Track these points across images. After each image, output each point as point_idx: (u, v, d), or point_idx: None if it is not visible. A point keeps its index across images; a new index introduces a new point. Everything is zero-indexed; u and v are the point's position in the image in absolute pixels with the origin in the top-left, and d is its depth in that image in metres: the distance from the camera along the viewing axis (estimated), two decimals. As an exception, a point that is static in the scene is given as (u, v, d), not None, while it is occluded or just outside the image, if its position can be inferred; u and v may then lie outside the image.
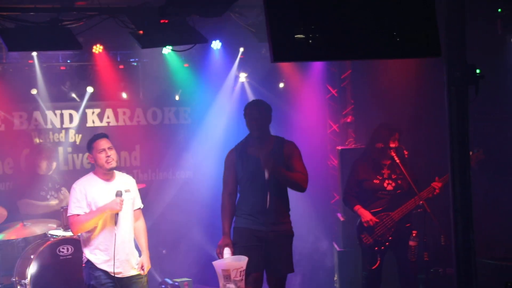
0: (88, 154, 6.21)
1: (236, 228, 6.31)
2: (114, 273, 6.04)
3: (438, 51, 4.55)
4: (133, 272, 6.18)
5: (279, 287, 6.27)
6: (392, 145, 7.23)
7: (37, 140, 9.13)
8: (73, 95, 9.29)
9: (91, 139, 6.25)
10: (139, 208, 6.40)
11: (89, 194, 6.06)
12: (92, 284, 6.09)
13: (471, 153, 7.06)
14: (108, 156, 6.09)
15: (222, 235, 6.22)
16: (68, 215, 6.14)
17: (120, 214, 6.08)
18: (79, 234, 6.20)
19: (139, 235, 6.36)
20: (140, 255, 6.31)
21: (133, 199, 6.27)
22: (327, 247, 9.40)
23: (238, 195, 6.35)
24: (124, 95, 9.55)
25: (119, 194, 6.01)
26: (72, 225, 6.09)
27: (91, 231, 6.10)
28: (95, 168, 6.22)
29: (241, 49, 9.70)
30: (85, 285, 6.21)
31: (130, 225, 6.23)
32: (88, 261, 6.12)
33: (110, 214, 6.03)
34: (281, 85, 10.08)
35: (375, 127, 7.48)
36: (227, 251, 6.08)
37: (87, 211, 6.03)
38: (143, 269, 6.19)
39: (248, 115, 6.30)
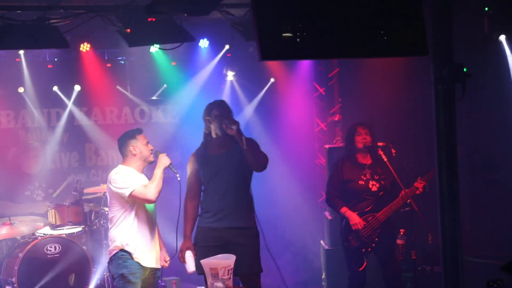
0: (131, 145, 6.22)
1: (199, 228, 6.29)
2: (147, 263, 6.16)
3: (425, 50, 4.57)
4: (158, 264, 6.31)
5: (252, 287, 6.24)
6: (379, 143, 7.26)
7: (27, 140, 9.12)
8: (59, 92, 9.28)
9: (134, 131, 6.31)
10: None
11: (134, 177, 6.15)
12: (122, 273, 6.09)
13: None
14: (152, 149, 6.26)
15: (183, 238, 6.24)
16: (130, 192, 6.05)
17: (151, 204, 6.21)
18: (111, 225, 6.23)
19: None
20: None
21: None
22: (315, 245, 9.41)
23: (202, 196, 6.34)
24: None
25: (158, 152, 6.24)
26: (146, 194, 6.06)
27: (129, 220, 6.13)
28: (124, 160, 6.26)
29: (227, 46, 9.69)
30: (112, 277, 6.24)
31: (156, 216, 6.37)
32: (119, 252, 6.12)
33: (147, 206, 6.17)
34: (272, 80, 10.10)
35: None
36: (189, 254, 6.11)
37: None
38: (166, 262, 6.40)
39: (217, 116, 6.20)
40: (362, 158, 7.26)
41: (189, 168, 6.35)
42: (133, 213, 6.14)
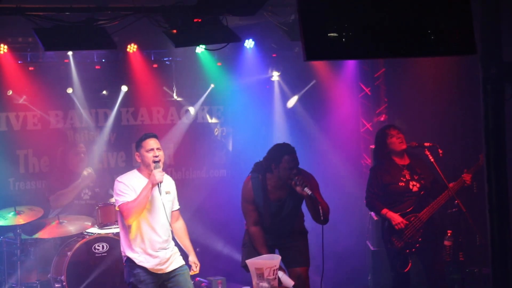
0: (136, 152, 6.23)
1: (248, 231, 6.43)
2: (155, 269, 6.13)
3: (473, 49, 4.50)
4: (173, 266, 6.23)
5: (301, 285, 6.26)
6: (426, 144, 7.18)
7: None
8: (105, 92, 9.40)
9: (140, 138, 6.26)
10: (178, 209, 6.46)
11: (134, 188, 6.11)
12: (131, 281, 6.11)
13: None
14: (156, 156, 6.11)
15: None
16: (117, 205, 6.14)
17: (159, 212, 6.14)
18: (125, 226, 6.24)
19: (182, 236, 6.44)
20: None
21: (172, 201, 6.34)
22: (360, 246, 9.36)
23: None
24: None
25: (157, 166, 6.04)
26: (124, 213, 6.07)
27: (130, 229, 6.15)
28: (140, 165, 6.26)
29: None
30: (126, 283, 6.26)
31: (168, 224, 6.25)
32: (128, 259, 6.15)
33: (147, 209, 6.09)
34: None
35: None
36: (280, 274, 5.98)
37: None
38: (196, 269, 6.34)
39: (287, 163, 6.21)
40: (399, 159, 7.18)
41: (247, 200, 6.39)
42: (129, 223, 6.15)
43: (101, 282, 7.63)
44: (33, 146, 9.12)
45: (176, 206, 6.44)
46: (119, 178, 6.22)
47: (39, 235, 7.90)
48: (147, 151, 6.13)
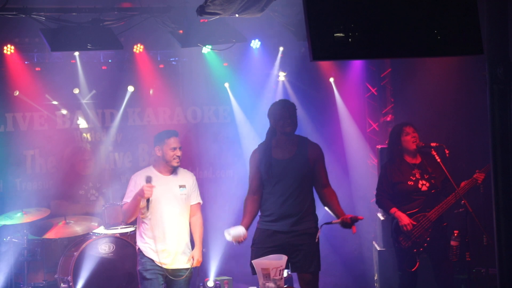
0: (157, 146, 6.45)
1: (258, 229, 6.27)
2: (160, 262, 6.35)
3: (480, 49, 4.49)
4: (182, 265, 6.42)
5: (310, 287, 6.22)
6: (432, 144, 7.17)
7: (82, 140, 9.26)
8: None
9: (164, 133, 6.53)
10: (197, 203, 6.64)
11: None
12: (139, 269, 6.41)
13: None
14: (178, 156, 6.41)
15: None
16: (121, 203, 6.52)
17: (171, 205, 6.34)
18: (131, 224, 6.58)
19: (194, 230, 6.60)
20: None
21: (187, 195, 6.50)
22: (367, 246, 9.35)
23: (264, 197, 6.25)
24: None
25: (148, 180, 6.22)
26: (122, 213, 6.57)
27: (143, 220, 6.36)
28: (155, 161, 6.52)
29: (281, 49, 9.71)
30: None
31: (183, 219, 6.47)
32: (139, 249, 6.43)
33: (160, 201, 6.31)
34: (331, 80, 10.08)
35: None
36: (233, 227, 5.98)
37: None
38: (194, 263, 6.46)
39: (279, 115, 6.16)
40: (411, 158, 7.19)
41: (251, 165, 6.32)
42: (143, 215, 6.36)
43: (108, 283, 7.64)
44: (40, 146, 9.16)
45: (195, 200, 6.61)
46: (133, 175, 6.49)
47: (46, 235, 7.93)
48: (171, 149, 6.41)
